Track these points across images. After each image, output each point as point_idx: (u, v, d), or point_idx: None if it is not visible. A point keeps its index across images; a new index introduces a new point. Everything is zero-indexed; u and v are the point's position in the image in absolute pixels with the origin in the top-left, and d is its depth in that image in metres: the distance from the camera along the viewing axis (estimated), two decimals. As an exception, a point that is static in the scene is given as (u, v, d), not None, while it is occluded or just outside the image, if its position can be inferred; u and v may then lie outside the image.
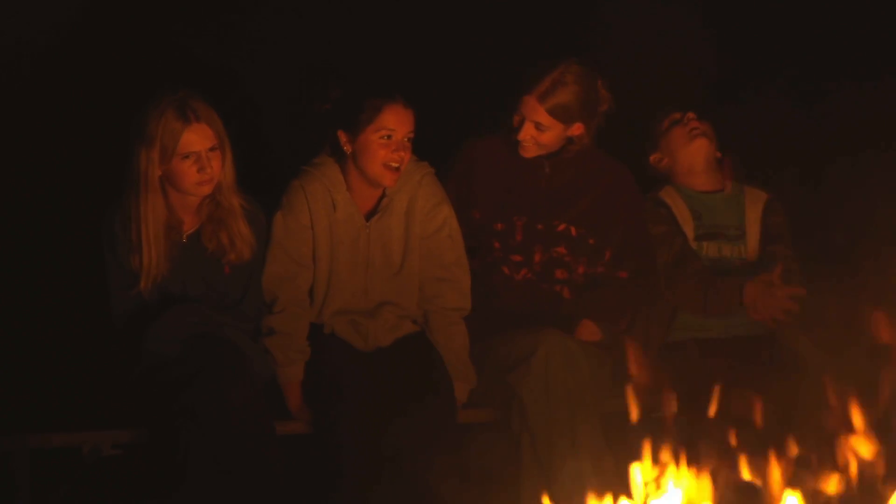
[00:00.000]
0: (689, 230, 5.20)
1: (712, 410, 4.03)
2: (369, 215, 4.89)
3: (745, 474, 3.87)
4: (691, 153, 5.25)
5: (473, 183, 5.05)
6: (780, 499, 3.77)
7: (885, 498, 3.81)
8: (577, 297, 5.00)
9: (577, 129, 5.01)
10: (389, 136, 4.76)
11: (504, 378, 4.78)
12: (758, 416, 4.11)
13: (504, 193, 5.04)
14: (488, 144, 5.09)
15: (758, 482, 3.85)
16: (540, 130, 4.98)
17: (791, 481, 3.83)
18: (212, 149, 4.61)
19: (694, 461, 3.84)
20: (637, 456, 3.88)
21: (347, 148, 4.81)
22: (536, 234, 5.02)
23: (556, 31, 5.36)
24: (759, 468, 3.86)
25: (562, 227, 5.02)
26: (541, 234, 5.02)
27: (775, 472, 3.82)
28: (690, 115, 5.27)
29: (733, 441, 3.98)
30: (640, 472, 3.81)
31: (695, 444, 4.00)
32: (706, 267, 5.13)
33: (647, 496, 3.80)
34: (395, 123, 4.76)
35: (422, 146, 4.88)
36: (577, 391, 4.73)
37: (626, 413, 4.68)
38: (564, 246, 5.01)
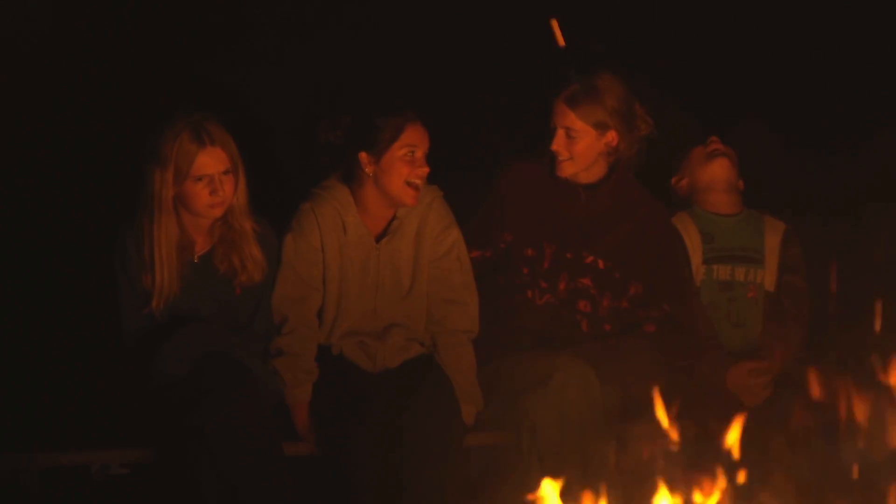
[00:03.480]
0: (696, 257, 5.21)
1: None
2: (379, 237, 4.92)
3: None
4: (711, 170, 5.26)
5: (508, 205, 5.06)
6: None
7: None
8: (596, 336, 5.00)
9: (611, 137, 4.99)
10: (413, 153, 4.80)
11: (516, 400, 4.79)
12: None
13: (537, 218, 5.04)
14: (527, 168, 5.10)
15: None
16: (571, 138, 4.97)
17: None
18: (225, 172, 4.63)
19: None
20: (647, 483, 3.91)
21: (370, 169, 4.83)
22: (564, 263, 5.02)
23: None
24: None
25: (590, 259, 5.02)
26: (568, 263, 5.02)
27: None
28: (714, 137, 5.30)
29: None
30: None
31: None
32: (710, 324, 5.15)
33: None
34: (417, 140, 4.81)
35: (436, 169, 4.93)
36: (590, 418, 4.74)
37: (635, 439, 4.73)
38: (591, 278, 5.01)
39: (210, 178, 4.61)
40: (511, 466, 4.79)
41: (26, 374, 5.07)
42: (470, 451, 4.82)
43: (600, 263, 5.02)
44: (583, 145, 4.98)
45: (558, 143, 4.98)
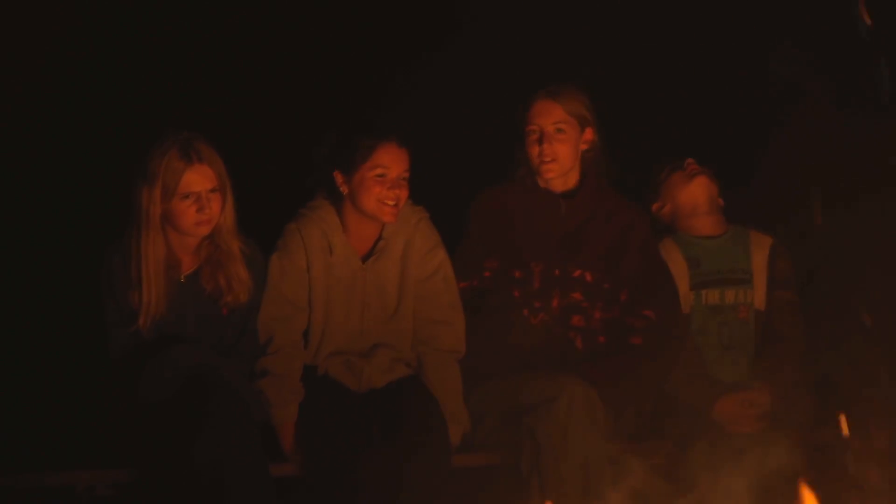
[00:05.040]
0: (683, 284, 5.17)
1: None
2: (365, 258, 4.92)
3: None
4: (692, 192, 5.24)
5: (488, 233, 5.06)
6: None
7: None
8: (590, 353, 4.98)
9: (589, 133, 5.04)
10: (384, 175, 4.80)
11: (517, 419, 4.77)
12: None
13: (521, 240, 5.05)
14: (499, 193, 5.11)
15: None
16: (559, 136, 4.99)
17: None
18: (212, 190, 4.63)
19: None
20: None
21: (344, 189, 4.84)
22: (554, 280, 5.02)
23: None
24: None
25: (577, 272, 5.02)
26: (558, 280, 5.02)
27: None
28: (689, 160, 5.29)
29: None
30: None
31: None
32: (698, 361, 5.14)
33: None
34: (388, 161, 4.81)
35: (424, 191, 4.94)
36: (593, 441, 4.71)
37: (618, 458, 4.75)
38: (581, 292, 5.01)
39: (197, 196, 4.61)
40: (505, 488, 4.78)
41: (11, 393, 5.05)
42: (460, 472, 4.81)
43: (588, 276, 5.03)
44: (569, 144, 5.01)
45: (549, 141, 4.98)
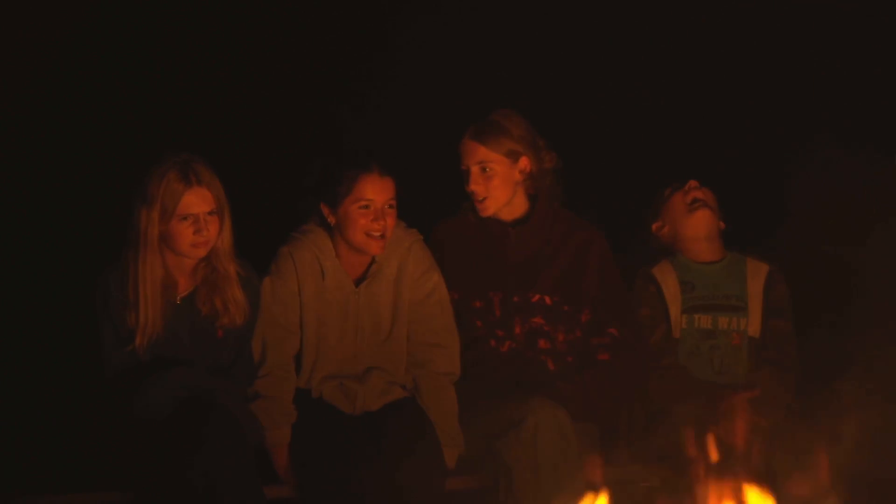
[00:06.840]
0: (675, 308, 5.21)
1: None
2: (358, 281, 4.93)
3: None
4: (693, 224, 5.25)
5: (446, 265, 5.05)
6: None
7: None
8: (563, 373, 5.00)
9: (524, 163, 5.03)
10: (368, 206, 4.82)
11: (491, 445, 4.79)
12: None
13: (476, 270, 5.06)
14: (454, 224, 5.12)
15: None
16: (486, 173, 5.00)
17: None
18: (210, 213, 4.64)
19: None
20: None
21: (331, 220, 4.86)
22: (513, 307, 5.04)
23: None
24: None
25: (536, 297, 5.04)
26: (518, 307, 5.03)
27: None
28: (693, 183, 5.30)
29: None
30: None
31: None
32: (682, 368, 5.17)
33: None
34: (372, 193, 4.82)
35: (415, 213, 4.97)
36: (564, 461, 4.73)
37: (610, 482, 4.76)
38: (541, 316, 5.03)
39: (195, 218, 4.62)
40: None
41: (3, 414, 5.03)
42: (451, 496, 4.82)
43: (547, 300, 5.04)
44: (499, 179, 5.01)
45: (475, 182, 5.01)
